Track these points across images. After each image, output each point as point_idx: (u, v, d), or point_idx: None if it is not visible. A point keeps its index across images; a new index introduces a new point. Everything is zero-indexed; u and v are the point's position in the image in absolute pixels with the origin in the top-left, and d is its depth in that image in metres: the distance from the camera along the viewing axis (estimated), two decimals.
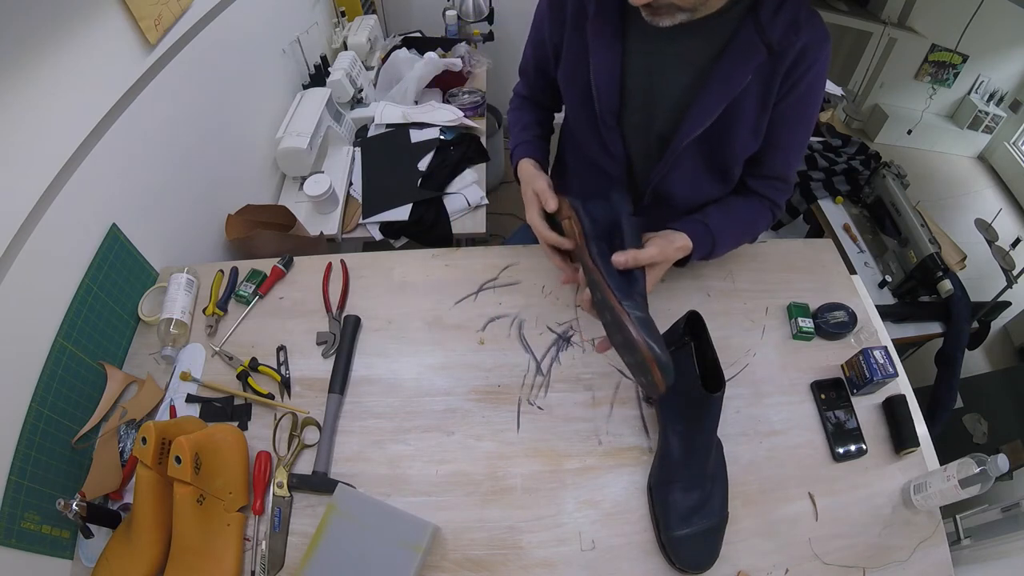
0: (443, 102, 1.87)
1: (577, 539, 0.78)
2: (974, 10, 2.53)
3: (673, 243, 0.84)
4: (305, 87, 1.73)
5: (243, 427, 0.89)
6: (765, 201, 0.95)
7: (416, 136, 1.69)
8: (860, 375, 0.89)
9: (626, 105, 0.88)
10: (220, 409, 0.90)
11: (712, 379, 0.76)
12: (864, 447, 0.85)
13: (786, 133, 0.86)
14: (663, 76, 0.83)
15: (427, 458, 0.85)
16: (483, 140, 1.72)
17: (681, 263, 0.90)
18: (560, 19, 0.88)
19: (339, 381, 0.91)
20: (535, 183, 0.88)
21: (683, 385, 0.78)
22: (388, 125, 1.75)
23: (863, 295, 1.04)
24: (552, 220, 0.87)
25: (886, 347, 0.90)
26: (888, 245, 1.82)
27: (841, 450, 0.85)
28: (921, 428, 0.88)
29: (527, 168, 0.96)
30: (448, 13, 2.17)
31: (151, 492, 0.75)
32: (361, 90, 1.86)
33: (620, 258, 0.74)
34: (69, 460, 0.84)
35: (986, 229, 1.92)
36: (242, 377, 0.92)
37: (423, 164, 1.60)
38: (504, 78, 2.50)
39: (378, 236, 1.51)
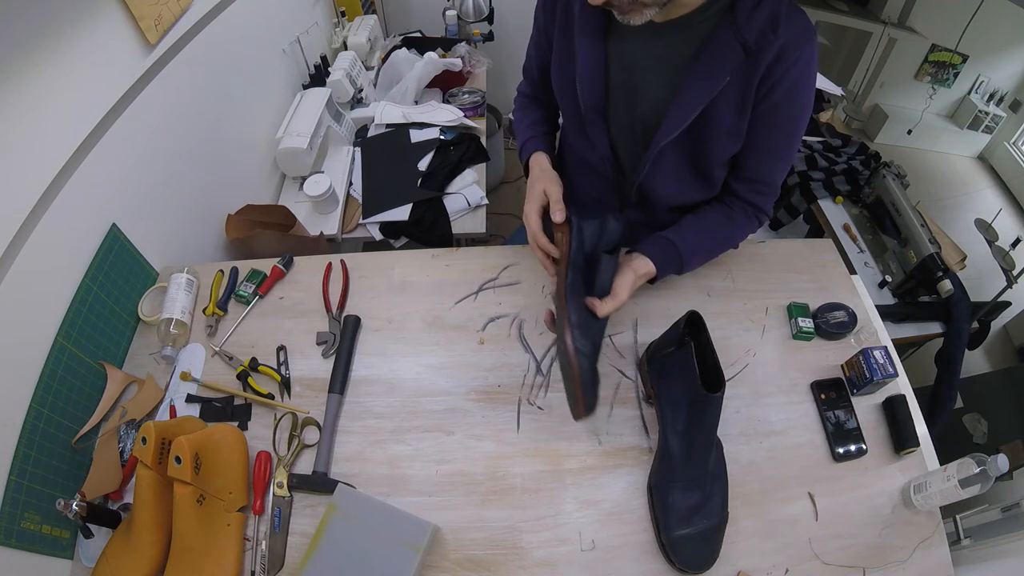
0: (443, 102, 1.87)
1: (577, 539, 0.78)
2: (974, 10, 2.53)
3: (636, 272, 0.85)
4: (305, 87, 1.73)
5: (243, 427, 0.89)
6: (748, 208, 0.93)
7: (416, 136, 1.69)
8: (860, 375, 0.89)
9: (611, 103, 0.88)
10: (220, 409, 0.90)
11: (712, 379, 0.76)
12: (864, 447, 0.85)
13: (767, 134, 0.84)
14: (644, 75, 0.83)
15: (427, 458, 0.85)
16: (483, 140, 1.72)
17: (651, 282, 0.91)
18: (552, 19, 0.89)
19: (339, 381, 0.91)
20: (550, 186, 0.88)
21: (683, 385, 0.78)
22: (388, 125, 1.75)
23: (863, 295, 1.04)
24: (546, 218, 0.88)
25: (886, 347, 0.90)
26: (888, 245, 1.82)
27: (841, 450, 0.85)
28: (921, 428, 0.88)
29: (543, 163, 0.95)
30: (448, 13, 2.17)
31: (151, 492, 0.75)
32: (361, 90, 1.87)
33: (604, 308, 0.79)
34: (69, 460, 0.84)
35: (986, 229, 1.92)
36: (242, 377, 0.92)
37: (423, 164, 1.60)
38: (504, 78, 2.51)
39: (378, 236, 1.51)
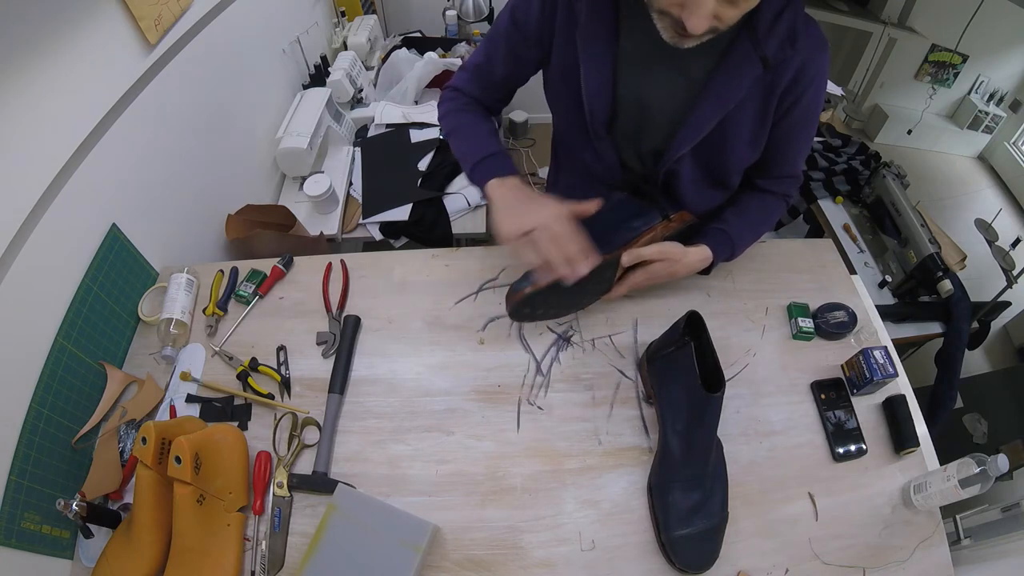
0: None
1: (577, 539, 0.78)
2: (974, 10, 2.53)
3: (688, 251, 0.88)
4: (305, 87, 1.73)
5: (243, 427, 0.89)
6: (779, 196, 0.97)
7: (416, 136, 1.69)
8: (860, 375, 0.89)
9: (618, 116, 0.86)
10: (220, 409, 0.90)
11: (712, 379, 0.76)
12: (864, 447, 0.85)
13: (790, 141, 0.87)
14: (656, 89, 0.81)
15: (427, 458, 0.85)
16: None
17: (706, 271, 0.94)
18: (548, 26, 0.82)
19: (339, 381, 0.90)
20: (571, 206, 0.79)
21: (683, 385, 0.78)
22: (388, 125, 1.75)
23: (863, 295, 1.03)
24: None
25: (886, 347, 0.90)
26: (888, 245, 1.82)
27: (841, 450, 0.85)
28: (921, 428, 0.88)
29: (528, 190, 0.84)
30: (448, 13, 2.17)
31: (151, 492, 0.75)
32: (361, 90, 1.87)
33: (625, 259, 0.84)
34: (69, 460, 0.84)
35: (986, 229, 1.92)
36: (242, 377, 0.92)
37: (423, 164, 1.60)
38: None
39: (378, 236, 1.52)
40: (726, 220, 0.94)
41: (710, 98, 0.78)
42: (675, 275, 0.90)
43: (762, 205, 0.96)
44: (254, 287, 1.03)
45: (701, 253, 0.89)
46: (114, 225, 0.96)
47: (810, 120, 0.86)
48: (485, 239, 1.56)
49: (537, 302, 0.85)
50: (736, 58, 0.75)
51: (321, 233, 1.42)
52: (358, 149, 1.69)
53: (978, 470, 0.69)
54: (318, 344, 0.97)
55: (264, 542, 0.78)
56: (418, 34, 2.19)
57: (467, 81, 0.97)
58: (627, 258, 0.85)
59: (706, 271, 0.94)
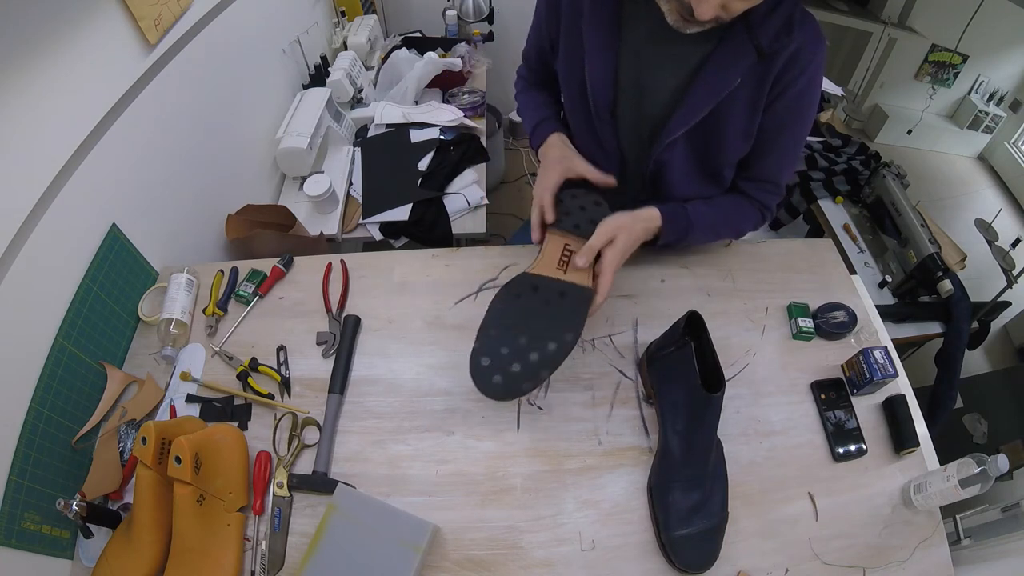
0: (443, 102, 1.87)
1: (577, 539, 0.78)
2: (974, 10, 2.54)
3: (634, 213, 0.86)
4: (305, 87, 1.73)
5: (243, 427, 0.89)
6: (754, 203, 0.95)
7: (416, 136, 1.69)
8: (860, 375, 0.89)
9: (619, 101, 0.88)
10: (220, 409, 0.90)
11: (712, 379, 0.76)
12: (864, 447, 0.85)
13: (777, 136, 0.86)
14: (654, 75, 0.84)
15: (427, 458, 0.85)
16: (483, 140, 1.72)
17: (652, 242, 0.91)
18: (555, 13, 0.88)
19: (339, 381, 0.90)
20: (580, 164, 0.91)
21: (683, 385, 0.78)
22: (388, 125, 1.75)
23: (863, 295, 1.03)
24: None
25: (886, 347, 0.90)
26: (888, 245, 1.82)
27: (841, 450, 0.85)
28: (921, 428, 0.88)
29: (567, 142, 0.96)
30: (448, 13, 2.17)
31: (151, 492, 0.75)
32: (361, 90, 1.87)
33: (580, 260, 0.82)
34: (69, 460, 0.84)
35: (986, 229, 1.93)
36: (242, 377, 0.92)
37: (423, 164, 1.60)
38: (504, 78, 2.50)
39: (378, 236, 1.51)
40: (689, 201, 0.93)
41: (704, 83, 0.79)
42: (637, 239, 0.86)
43: (734, 203, 0.96)
44: (254, 287, 1.03)
45: (648, 212, 0.88)
46: (114, 225, 0.96)
47: (801, 115, 0.84)
48: (485, 239, 1.56)
49: (505, 360, 0.75)
50: (731, 45, 0.77)
51: (321, 233, 1.42)
52: (358, 149, 1.69)
53: (978, 470, 0.69)
54: (318, 344, 0.97)
55: (264, 542, 0.78)
56: (418, 34, 2.19)
57: (522, 67, 1.11)
58: (581, 260, 0.82)
59: (654, 242, 0.91)
